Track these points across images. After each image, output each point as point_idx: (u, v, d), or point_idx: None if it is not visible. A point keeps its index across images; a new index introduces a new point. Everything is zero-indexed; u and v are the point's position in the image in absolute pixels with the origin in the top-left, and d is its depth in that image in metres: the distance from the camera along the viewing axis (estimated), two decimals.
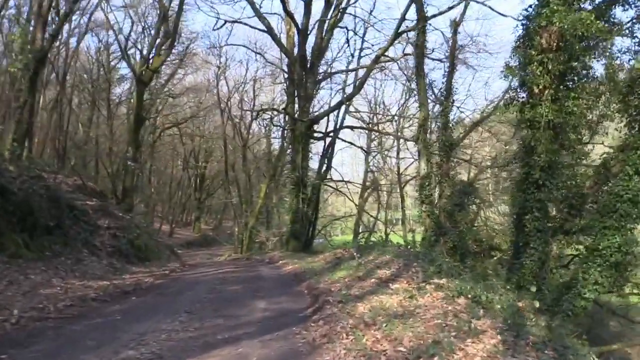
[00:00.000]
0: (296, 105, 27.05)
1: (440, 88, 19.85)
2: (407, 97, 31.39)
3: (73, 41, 33.93)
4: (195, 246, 49.57)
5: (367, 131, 36.40)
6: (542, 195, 14.07)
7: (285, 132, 34.62)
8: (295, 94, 26.69)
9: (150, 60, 21.39)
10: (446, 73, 19.80)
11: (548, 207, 14.67)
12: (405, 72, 26.99)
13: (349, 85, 30.18)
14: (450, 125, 19.44)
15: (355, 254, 14.06)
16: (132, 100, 24.25)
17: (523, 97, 15.12)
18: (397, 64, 26.14)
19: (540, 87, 13.94)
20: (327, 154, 28.79)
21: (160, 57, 21.70)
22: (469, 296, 8.68)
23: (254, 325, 7.18)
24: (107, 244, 16.60)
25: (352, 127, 30.24)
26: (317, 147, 32.59)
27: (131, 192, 21.55)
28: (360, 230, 39.36)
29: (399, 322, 6.72)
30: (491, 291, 9.63)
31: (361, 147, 33.21)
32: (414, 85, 26.78)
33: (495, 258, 20.45)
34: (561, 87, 14.13)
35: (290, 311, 8.30)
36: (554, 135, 13.96)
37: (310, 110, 27.52)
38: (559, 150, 14.22)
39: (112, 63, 39.04)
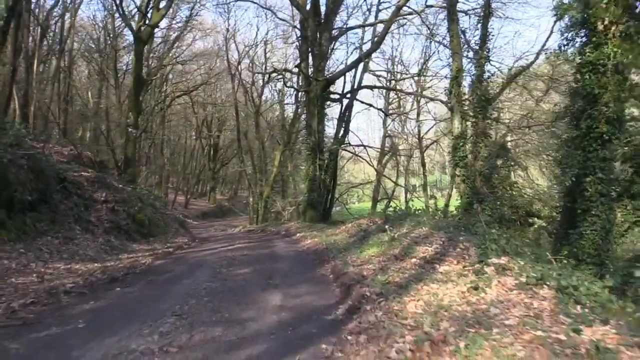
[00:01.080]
0: (310, 66, 24.50)
1: (473, 36, 17.21)
2: (429, 54, 28.49)
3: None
4: (210, 217, 47.87)
5: (385, 93, 33.73)
6: (608, 153, 11.56)
7: (299, 95, 32.11)
8: (309, 52, 24.09)
9: (149, 16, 18.97)
10: (479, 20, 17.04)
11: (614, 166, 12.15)
12: (429, 25, 24.13)
13: (366, 42, 27.43)
14: (486, 77, 16.80)
15: (386, 226, 11.74)
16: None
17: (583, 37, 12.43)
18: (420, 17, 23.26)
19: (606, 22, 11.30)
20: (344, 118, 26.27)
21: (160, 12, 19.22)
22: (550, 284, 6.36)
23: (264, 338, 4.95)
24: (105, 219, 14.53)
25: (371, 87, 27.54)
26: (332, 112, 30.18)
27: (134, 162, 19.38)
28: (379, 198, 37.14)
29: (478, 335, 4.43)
30: (569, 274, 7.28)
31: (380, 109, 30.47)
32: (435, 43, 24.14)
33: (535, 226, 18.04)
34: (632, 21, 11.42)
35: (314, 311, 6.03)
36: (622, 80, 11.36)
37: (326, 71, 24.90)
38: (628, 99, 11.63)
39: (119, 30, 36.55)
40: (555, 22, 18.51)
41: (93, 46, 38.53)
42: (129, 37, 35.88)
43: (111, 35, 34.19)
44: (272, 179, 31.64)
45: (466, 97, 16.75)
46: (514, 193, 17.96)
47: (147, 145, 38.68)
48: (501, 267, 7.55)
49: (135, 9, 19.49)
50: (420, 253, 9.02)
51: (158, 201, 21.84)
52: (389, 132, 36.52)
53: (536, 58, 19.39)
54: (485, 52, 16.64)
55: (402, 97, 34.61)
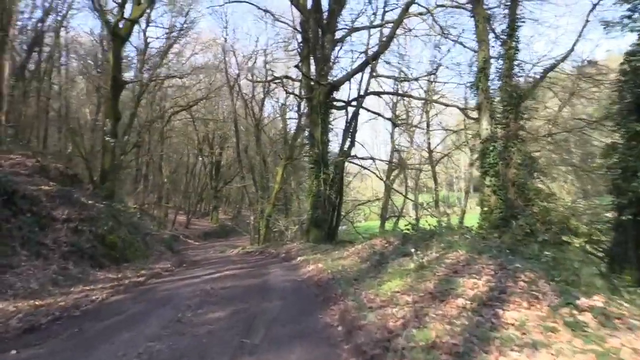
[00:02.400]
0: (312, 70, 21.87)
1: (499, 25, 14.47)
2: (441, 57, 25.66)
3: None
4: (212, 237, 44.99)
5: (392, 104, 30.99)
6: None
7: (302, 107, 29.47)
8: (311, 56, 21.47)
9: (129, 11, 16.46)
10: (505, 4, 14.28)
11: None
12: (441, 24, 21.41)
13: (372, 47, 24.70)
14: (517, 71, 14.05)
15: (412, 249, 8.87)
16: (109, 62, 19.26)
17: None
18: (432, 15, 20.59)
19: None
20: (350, 128, 23.49)
21: (141, 6, 16.66)
22: None
23: None
24: (64, 241, 11.74)
25: (378, 93, 24.74)
26: (338, 124, 27.51)
27: (112, 175, 16.62)
28: (387, 215, 34.24)
29: None
30: None
31: (389, 119, 27.53)
32: (447, 43, 21.51)
33: (576, 245, 15.03)
34: None
35: None
36: None
37: (330, 77, 22.20)
38: None
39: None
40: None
41: (91, 62, 36.10)
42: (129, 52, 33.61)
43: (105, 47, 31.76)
44: (274, 196, 28.78)
45: (494, 93, 13.94)
46: (551, 206, 15.01)
47: (144, 163, 36.06)
48: (603, 314, 4.75)
49: (115, 4, 16.89)
50: (468, 289, 6.16)
51: (143, 220, 19.01)
52: (396, 145, 33.80)
53: (570, 51, 16.62)
54: (514, 41, 13.89)
55: (410, 108, 31.93)
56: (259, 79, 28.23)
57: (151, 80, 30.44)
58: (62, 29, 30.54)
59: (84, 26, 76.73)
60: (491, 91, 13.63)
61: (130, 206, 23.50)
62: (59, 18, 27.63)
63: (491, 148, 13.17)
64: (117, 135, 17.02)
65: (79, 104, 39.82)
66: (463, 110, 20.85)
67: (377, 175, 26.64)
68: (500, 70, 13.96)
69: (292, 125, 34.68)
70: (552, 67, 16.43)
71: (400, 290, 6.81)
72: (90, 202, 13.91)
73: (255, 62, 32.16)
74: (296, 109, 31.61)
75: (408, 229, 12.56)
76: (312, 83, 21.27)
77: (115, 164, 16.91)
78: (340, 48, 25.54)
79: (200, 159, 49.87)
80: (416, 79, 24.05)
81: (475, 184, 60.59)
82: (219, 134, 47.75)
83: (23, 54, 25.56)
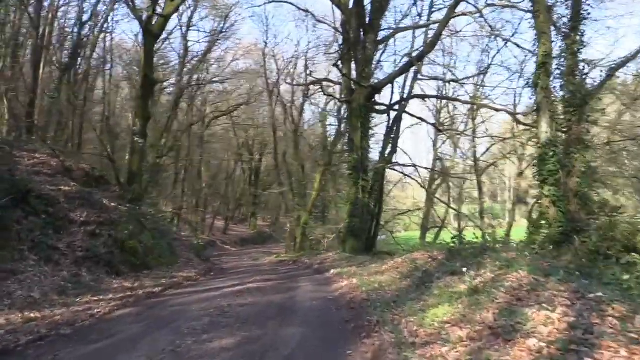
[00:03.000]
0: (353, 73, 20.57)
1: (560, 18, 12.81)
2: (490, 59, 23.82)
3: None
4: (249, 243, 44.13)
5: (436, 109, 29.32)
6: None
7: (342, 111, 28.20)
8: (352, 58, 20.18)
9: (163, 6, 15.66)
10: None
11: None
12: (490, 24, 19.74)
13: (417, 49, 23.16)
14: (581, 68, 12.32)
15: (463, 268, 7.44)
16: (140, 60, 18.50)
17: None
18: (482, 14, 18.98)
19: None
20: (392, 133, 22.02)
21: (174, 2, 15.81)
22: None
23: None
24: (79, 246, 10.82)
25: (422, 97, 23.08)
26: (378, 130, 26.09)
27: (140, 177, 15.75)
28: (428, 226, 32.51)
29: None
30: None
31: (433, 124, 25.82)
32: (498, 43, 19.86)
33: None
34: None
35: None
36: None
37: (372, 79, 20.81)
38: None
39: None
40: None
41: (136, 69, 35.86)
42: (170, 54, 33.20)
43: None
44: (311, 204, 27.59)
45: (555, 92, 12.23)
46: (617, 220, 13.11)
47: (182, 167, 35.55)
48: None
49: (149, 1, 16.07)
50: (540, 325, 4.72)
51: (174, 225, 18.07)
52: (439, 153, 32.08)
53: (638, 52, 14.66)
54: (578, 35, 12.19)
55: (454, 115, 30.18)
56: (298, 83, 27.15)
57: (189, 84, 29.79)
58: (107, 35, 30.40)
59: (129, 33, 77.89)
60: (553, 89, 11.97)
61: (163, 210, 22.74)
62: (101, 21, 27.29)
63: (551, 154, 11.47)
64: (146, 136, 16.19)
65: (122, 110, 40.02)
66: (514, 115, 19.09)
67: (419, 184, 25.00)
68: (560, 68, 12.26)
69: (332, 132, 33.50)
70: (619, 67, 14.53)
71: (450, 321, 5.42)
72: (112, 204, 13.03)
73: (295, 66, 31.22)
74: (336, 114, 30.43)
75: (454, 242, 11.04)
76: (353, 85, 19.99)
77: (143, 165, 16.09)
78: (383, 52, 24.25)
79: (240, 164, 49.30)
80: (463, 81, 22.31)
81: (520, 196, 57.89)
82: (259, 141, 47.10)
83: (66, 59, 25.37)
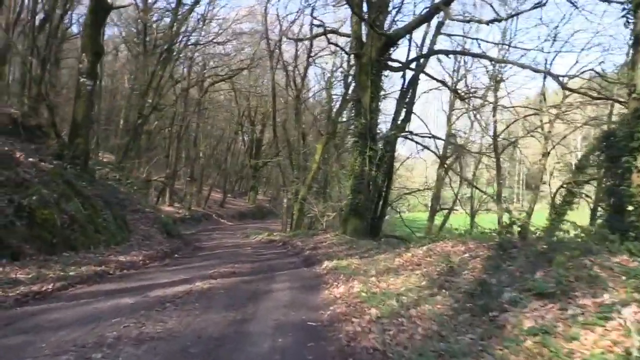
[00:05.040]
0: (364, 27, 16.50)
1: None
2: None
3: None
4: (247, 218, 40.47)
5: (456, 79, 25.01)
6: None
7: (349, 78, 24.07)
8: (364, 1, 16.05)
9: None
10: None
11: None
12: None
13: None
14: None
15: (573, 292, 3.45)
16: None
17: None
18: None
19: None
20: (406, 96, 17.99)
21: None
22: None
23: None
24: None
25: (445, 52, 18.86)
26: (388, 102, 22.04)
27: (86, 130, 11.83)
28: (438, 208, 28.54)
29: None
30: None
31: (454, 90, 21.37)
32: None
33: None
34: None
35: None
36: None
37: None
38: None
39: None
40: None
41: (133, 30, 31.55)
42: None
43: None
44: (311, 177, 23.65)
45: None
46: None
47: (175, 134, 31.64)
48: None
49: None
50: None
51: (144, 195, 14.22)
52: (453, 129, 27.87)
53: None
54: None
55: (472, 87, 25.85)
56: (301, 38, 22.97)
57: (178, 33, 25.64)
58: None
59: None
60: None
61: (133, 176, 18.91)
62: None
63: None
64: (96, 77, 12.29)
65: (122, 73, 36.08)
66: (556, 77, 14.93)
67: (437, 155, 20.90)
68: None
69: (337, 102, 29.33)
70: None
71: None
72: (31, 159, 9.14)
73: (302, 26, 26.97)
74: (342, 80, 26.26)
75: (509, 231, 7.11)
76: (365, 36, 15.96)
77: (90, 115, 12.18)
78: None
79: (241, 135, 45.35)
80: (492, 23, 17.63)
81: (531, 182, 53.43)
82: (261, 111, 43.06)
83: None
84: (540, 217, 18.64)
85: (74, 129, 11.43)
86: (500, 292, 4.49)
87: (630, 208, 8.00)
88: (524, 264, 5.57)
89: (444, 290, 5.42)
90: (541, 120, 24.69)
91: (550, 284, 4.16)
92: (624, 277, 4.06)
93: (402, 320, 4.35)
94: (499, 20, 13.45)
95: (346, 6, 18.46)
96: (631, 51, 8.08)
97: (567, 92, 21.91)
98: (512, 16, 15.19)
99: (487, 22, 13.47)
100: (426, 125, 51.21)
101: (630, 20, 8.02)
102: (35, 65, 16.29)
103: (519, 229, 6.96)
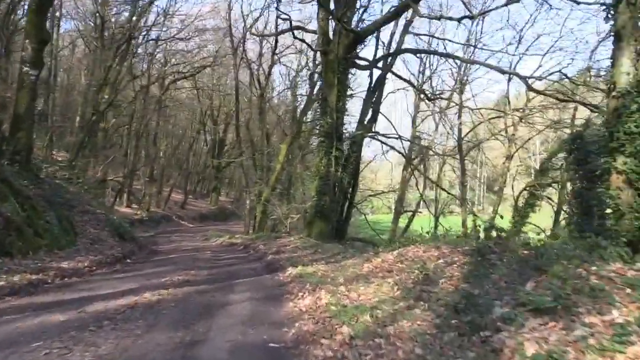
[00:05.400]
0: (331, 24, 15.96)
1: None
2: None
3: None
4: (209, 220, 39.17)
5: (421, 80, 24.77)
6: None
7: (315, 76, 23.45)
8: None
9: None
10: None
11: None
12: None
13: None
14: None
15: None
16: None
17: None
18: None
19: None
20: (373, 97, 17.53)
21: None
22: None
23: None
24: None
25: (413, 51, 18.47)
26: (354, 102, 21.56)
27: (29, 124, 10.72)
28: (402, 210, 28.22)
29: None
30: None
31: (422, 90, 20.98)
32: None
33: None
34: None
35: None
36: None
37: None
38: None
39: None
40: None
41: (91, 23, 29.95)
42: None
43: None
44: (274, 178, 22.92)
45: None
46: None
47: (135, 133, 30.27)
48: None
49: None
50: None
51: (99, 196, 13.15)
52: (417, 131, 27.67)
53: None
54: None
55: (437, 89, 25.64)
56: (266, 34, 22.18)
57: (137, 27, 24.45)
58: None
59: None
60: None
61: (84, 177, 17.69)
62: None
63: (635, 107, 7.18)
64: (41, 66, 11.20)
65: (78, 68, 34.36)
66: (525, 79, 14.72)
67: (403, 155, 20.50)
68: None
69: (302, 103, 28.67)
70: None
71: None
72: None
73: (267, 20, 26.19)
74: (308, 80, 25.63)
75: (488, 235, 6.61)
76: (332, 32, 15.39)
77: (33, 107, 11.09)
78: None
79: (203, 135, 44.05)
80: (464, 20, 17.25)
81: (488, 184, 54.25)
82: (224, 111, 41.93)
83: None
84: (502, 220, 18.57)
85: (15, 122, 10.31)
86: (489, 306, 3.92)
87: (608, 211, 7.63)
88: (508, 273, 5.08)
89: (421, 303, 4.84)
90: (505, 123, 24.79)
91: (547, 297, 3.62)
92: (628, 290, 3.57)
93: (380, 342, 3.73)
94: (471, 18, 13.07)
95: (313, 3, 17.92)
96: (612, 47, 7.68)
97: (531, 96, 22.06)
98: (483, 13, 14.87)
99: (459, 20, 13.10)
100: (393, 126, 51.06)
101: (610, 16, 7.70)
102: None
103: (502, 233, 6.47)
